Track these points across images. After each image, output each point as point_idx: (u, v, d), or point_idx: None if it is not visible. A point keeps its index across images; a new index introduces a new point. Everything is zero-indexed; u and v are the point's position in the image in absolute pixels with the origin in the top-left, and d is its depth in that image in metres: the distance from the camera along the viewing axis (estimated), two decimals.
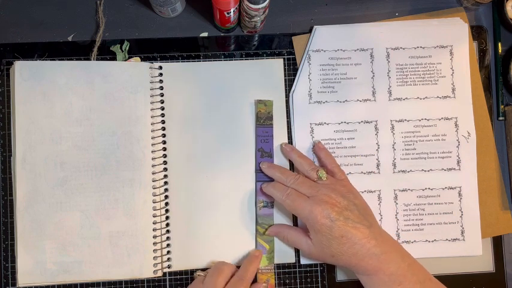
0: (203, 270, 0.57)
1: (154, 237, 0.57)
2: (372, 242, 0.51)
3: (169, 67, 0.61)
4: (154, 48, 0.61)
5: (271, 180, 0.58)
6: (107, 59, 0.61)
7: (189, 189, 0.59)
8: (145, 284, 0.58)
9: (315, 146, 0.60)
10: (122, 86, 0.59)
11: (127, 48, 0.61)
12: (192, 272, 0.59)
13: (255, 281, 0.57)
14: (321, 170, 0.56)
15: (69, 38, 0.61)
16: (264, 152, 0.59)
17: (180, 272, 0.59)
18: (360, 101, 0.62)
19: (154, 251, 0.57)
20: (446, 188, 0.61)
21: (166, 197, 0.59)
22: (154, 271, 0.57)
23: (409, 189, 0.61)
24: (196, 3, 0.62)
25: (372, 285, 0.53)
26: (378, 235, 0.52)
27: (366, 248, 0.51)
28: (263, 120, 0.60)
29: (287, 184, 0.55)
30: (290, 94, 0.61)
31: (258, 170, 0.59)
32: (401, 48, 0.62)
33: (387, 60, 0.62)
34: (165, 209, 0.58)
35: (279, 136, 0.61)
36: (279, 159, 0.60)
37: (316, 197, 0.53)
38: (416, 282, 0.51)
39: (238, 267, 0.57)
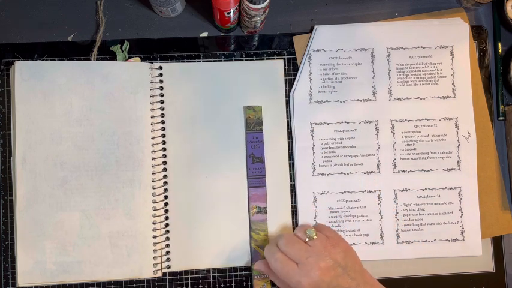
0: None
1: (154, 237, 0.57)
2: None
3: (169, 67, 0.60)
4: (154, 48, 0.61)
5: (263, 185, 0.59)
6: (107, 59, 0.61)
7: (188, 190, 0.59)
8: (145, 284, 0.58)
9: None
10: (122, 86, 0.59)
11: (127, 48, 0.61)
12: (193, 272, 0.59)
13: (250, 285, 0.58)
14: (310, 228, 0.53)
15: (69, 38, 0.61)
16: (255, 157, 0.59)
17: (180, 272, 0.59)
18: (361, 101, 0.61)
19: (154, 251, 0.57)
20: (446, 188, 0.61)
21: (165, 197, 0.59)
22: (154, 271, 0.57)
23: (409, 189, 0.61)
24: (196, 3, 0.62)
25: None
26: None
27: None
28: (253, 126, 0.60)
29: (277, 243, 0.53)
30: (290, 94, 0.61)
31: (251, 176, 0.59)
32: (402, 48, 0.62)
33: (388, 60, 0.62)
34: (164, 209, 0.58)
35: (280, 136, 0.61)
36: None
37: (304, 265, 0.50)
38: None
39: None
